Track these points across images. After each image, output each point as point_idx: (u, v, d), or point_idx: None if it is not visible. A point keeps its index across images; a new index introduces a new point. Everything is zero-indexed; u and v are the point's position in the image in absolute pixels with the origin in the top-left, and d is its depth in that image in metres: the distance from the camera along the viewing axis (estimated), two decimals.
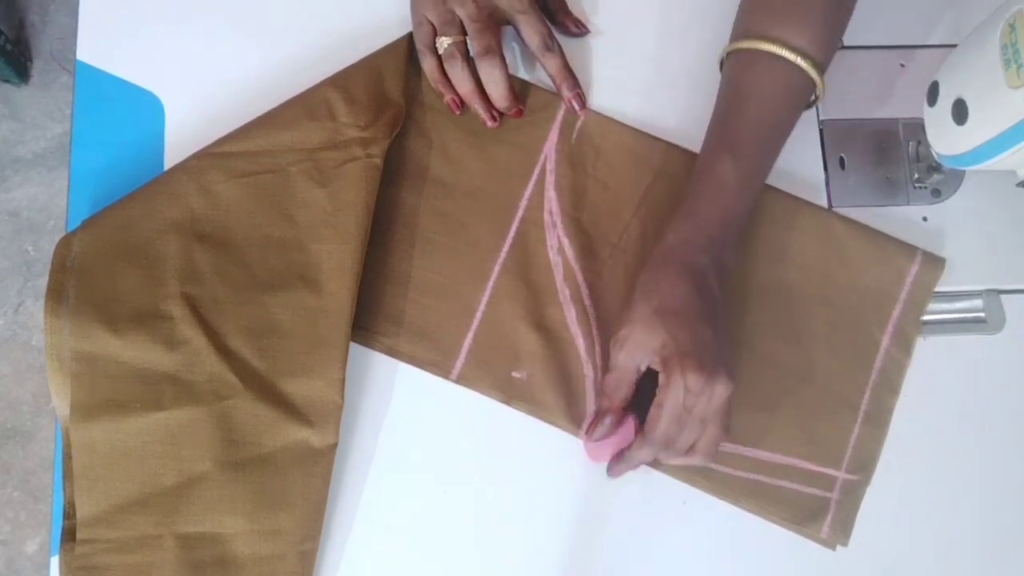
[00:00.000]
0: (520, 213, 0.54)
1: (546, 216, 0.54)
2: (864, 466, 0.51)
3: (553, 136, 0.55)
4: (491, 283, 0.53)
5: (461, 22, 0.51)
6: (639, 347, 0.46)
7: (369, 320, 0.52)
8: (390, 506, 0.50)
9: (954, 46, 0.45)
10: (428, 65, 0.53)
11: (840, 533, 0.50)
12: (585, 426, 0.50)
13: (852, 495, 0.51)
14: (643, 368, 0.46)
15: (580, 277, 0.53)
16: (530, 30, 0.52)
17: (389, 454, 0.51)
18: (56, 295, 0.47)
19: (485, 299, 0.52)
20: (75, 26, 0.55)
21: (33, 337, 1.29)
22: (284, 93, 0.53)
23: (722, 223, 0.48)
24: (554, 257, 0.53)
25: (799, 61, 0.48)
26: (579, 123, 0.55)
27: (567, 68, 0.53)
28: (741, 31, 0.51)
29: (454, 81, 0.52)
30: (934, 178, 0.55)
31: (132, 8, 0.56)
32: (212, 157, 0.51)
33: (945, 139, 0.45)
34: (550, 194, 0.54)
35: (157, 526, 0.46)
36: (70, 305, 0.47)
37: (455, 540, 0.50)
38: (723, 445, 0.51)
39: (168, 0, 0.56)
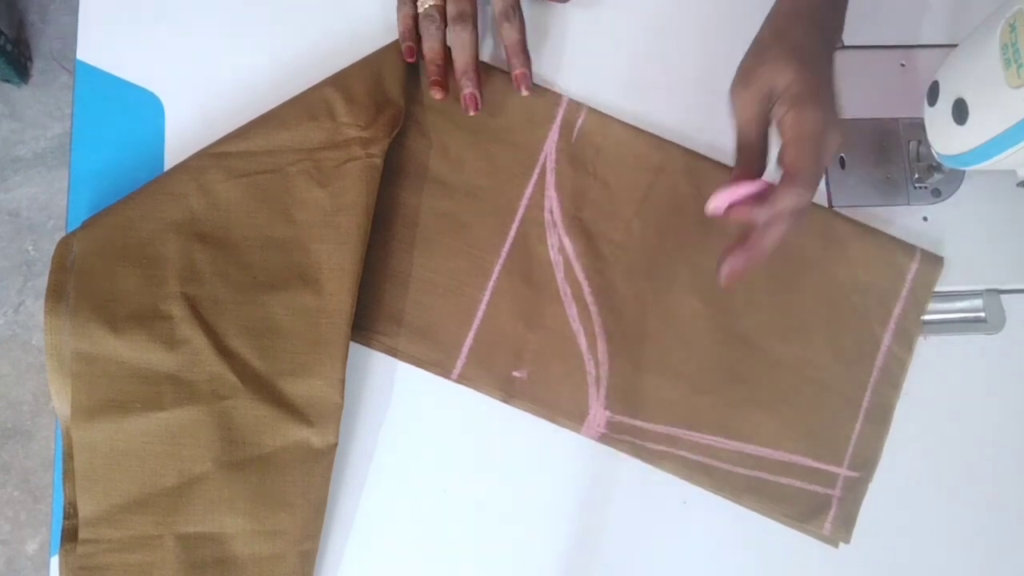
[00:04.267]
0: (521, 212, 0.54)
1: (547, 215, 0.54)
2: (866, 463, 0.51)
3: (553, 135, 0.55)
4: (492, 282, 0.53)
5: None
6: (770, 80, 0.44)
7: (369, 320, 0.52)
8: (390, 506, 0.50)
9: (954, 46, 0.45)
10: (403, 13, 0.53)
11: (842, 530, 0.51)
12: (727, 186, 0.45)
13: (854, 492, 0.51)
14: (773, 103, 0.44)
15: (581, 275, 0.53)
16: None
17: (389, 454, 0.51)
18: (56, 295, 0.47)
19: (486, 298, 0.52)
20: (75, 26, 0.55)
21: (33, 337, 1.29)
22: (284, 93, 0.53)
23: (820, 25, 0.46)
24: (555, 256, 0.53)
25: None
26: (579, 122, 0.55)
27: (522, 43, 0.53)
28: None
29: (424, 37, 0.53)
30: (934, 178, 0.55)
31: (132, 8, 0.56)
32: (212, 157, 0.51)
33: (945, 139, 0.45)
34: (551, 193, 0.54)
35: (157, 526, 0.46)
36: (70, 305, 0.47)
37: (455, 540, 0.50)
38: (725, 442, 0.51)
39: (168, 0, 0.56)
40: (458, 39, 0.52)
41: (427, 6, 0.52)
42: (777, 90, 0.44)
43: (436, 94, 0.52)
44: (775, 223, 0.43)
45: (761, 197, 0.43)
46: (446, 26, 0.52)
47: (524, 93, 0.53)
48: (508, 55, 0.53)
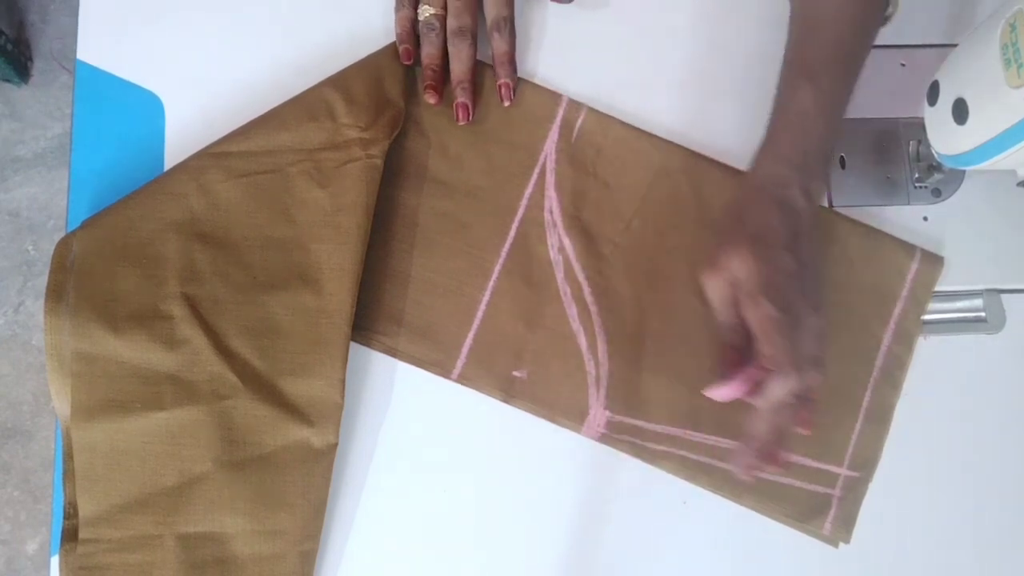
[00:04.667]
0: (521, 212, 0.54)
1: (547, 215, 0.54)
2: (866, 463, 0.51)
3: (553, 135, 0.55)
4: (492, 282, 0.53)
5: None
6: (732, 271, 0.45)
7: (369, 320, 0.52)
8: (390, 506, 0.50)
9: (954, 46, 0.45)
10: (401, 15, 0.53)
11: (842, 530, 0.51)
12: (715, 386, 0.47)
13: (854, 492, 0.51)
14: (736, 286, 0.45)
15: (581, 275, 0.53)
16: (491, 6, 0.53)
17: (389, 454, 0.51)
18: (56, 295, 0.47)
19: (486, 298, 0.52)
20: (75, 26, 0.55)
21: (33, 337, 1.29)
22: (284, 93, 0.53)
23: (805, 152, 0.47)
24: (555, 256, 0.53)
25: None
26: (579, 122, 0.55)
27: (510, 55, 0.53)
28: None
29: (424, 43, 0.53)
30: (934, 178, 0.55)
31: (132, 8, 0.56)
32: (212, 157, 0.51)
33: (945, 139, 0.45)
34: (551, 193, 0.54)
35: (158, 526, 0.46)
36: (70, 305, 0.47)
37: (455, 540, 0.50)
38: (725, 441, 0.51)
39: (168, 0, 0.56)
40: (457, 51, 0.53)
41: (428, 14, 0.52)
42: (739, 280, 0.45)
43: (430, 98, 0.53)
44: (775, 411, 0.45)
45: (756, 381, 0.45)
46: (445, 34, 0.53)
47: (506, 104, 0.54)
48: (495, 65, 0.54)
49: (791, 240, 0.45)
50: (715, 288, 0.46)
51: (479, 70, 0.54)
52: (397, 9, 0.53)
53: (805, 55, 0.48)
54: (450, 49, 0.53)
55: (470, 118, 0.53)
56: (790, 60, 0.49)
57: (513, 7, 0.53)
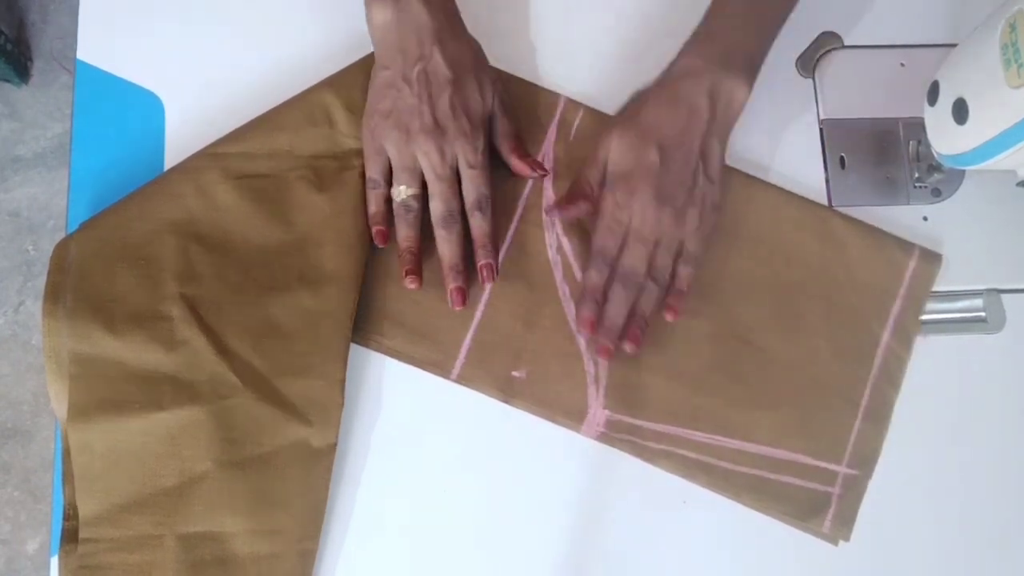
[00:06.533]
0: (519, 212, 0.54)
1: (545, 215, 0.54)
2: (865, 461, 0.51)
3: (551, 135, 0.55)
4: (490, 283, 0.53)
5: (421, 172, 0.50)
6: (599, 148, 0.51)
7: (369, 320, 0.52)
8: (390, 506, 0.50)
9: (954, 46, 0.45)
10: (376, 194, 0.51)
11: (842, 528, 0.51)
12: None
13: (853, 490, 0.51)
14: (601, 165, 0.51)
15: (580, 275, 0.53)
16: (470, 186, 0.50)
17: (389, 454, 0.51)
18: (54, 297, 0.47)
19: (484, 299, 0.52)
20: (75, 26, 0.55)
21: (33, 337, 1.29)
22: (284, 94, 0.53)
23: (725, 52, 0.49)
24: (553, 256, 0.53)
25: None
26: (577, 121, 0.55)
27: (489, 236, 0.50)
28: None
29: (402, 226, 0.50)
30: (934, 178, 0.55)
31: (132, 8, 0.56)
32: (210, 157, 0.51)
33: (945, 139, 0.45)
34: (549, 193, 0.54)
35: (157, 526, 0.46)
36: (68, 306, 0.47)
37: (455, 540, 0.50)
38: (724, 440, 0.51)
39: (168, 0, 0.56)
40: (447, 235, 0.50)
41: (406, 195, 0.50)
42: (606, 164, 0.51)
43: (411, 284, 0.50)
44: (626, 292, 0.50)
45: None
46: (422, 211, 0.50)
47: (487, 285, 0.52)
48: (476, 246, 0.50)
49: (671, 138, 0.49)
50: (594, 148, 0.51)
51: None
52: (370, 187, 0.51)
53: None
54: (439, 233, 0.50)
55: (464, 303, 0.50)
56: None
57: (492, 186, 0.51)
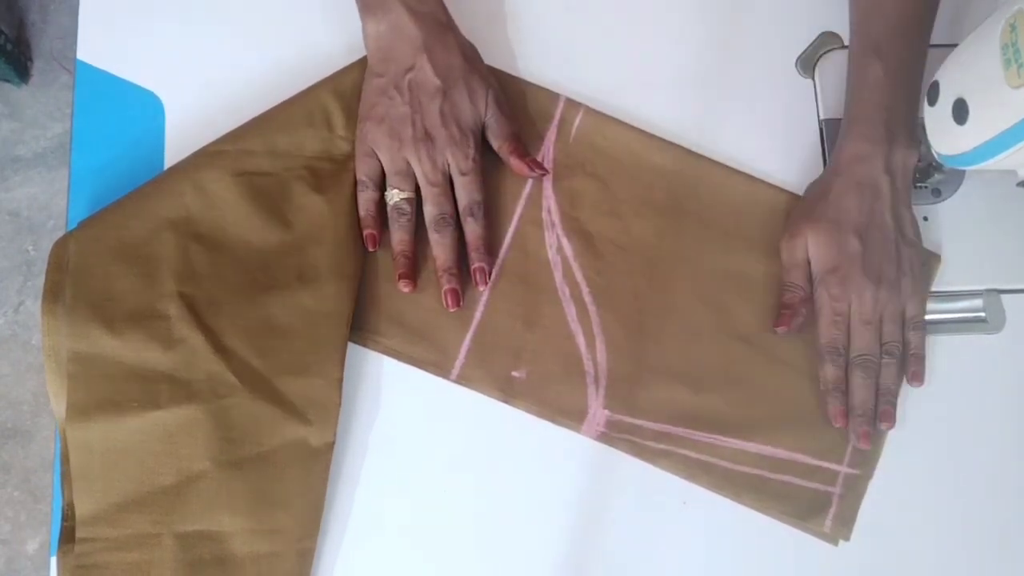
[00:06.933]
0: (519, 212, 0.54)
1: (545, 215, 0.54)
2: (866, 461, 0.51)
3: (551, 134, 0.55)
4: (490, 282, 0.53)
5: (414, 175, 0.50)
6: (793, 250, 0.51)
7: (369, 320, 0.52)
8: (389, 505, 0.50)
9: (954, 46, 0.45)
10: (366, 197, 0.51)
11: (842, 527, 0.51)
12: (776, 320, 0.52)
13: (854, 489, 0.51)
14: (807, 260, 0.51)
15: (580, 275, 0.53)
16: (463, 192, 0.50)
17: (388, 453, 0.51)
18: (52, 296, 0.47)
19: (484, 299, 0.52)
20: (75, 26, 0.55)
21: (33, 337, 1.28)
22: (284, 93, 0.53)
23: (885, 125, 0.49)
24: (553, 256, 0.53)
25: None
26: (577, 121, 0.55)
27: (483, 240, 0.51)
28: None
29: (396, 230, 0.51)
30: (934, 178, 0.55)
31: (132, 8, 0.56)
32: (208, 156, 0.51)
33: (945, 139, 0.45)
34: (548, 193, 0.54)
35: (156, 525, 0.46)
36: (66, 305, 0.47)
37: (454, 539, 0.50)
38: (724, 440, 0.51)
39: (168, 0, 0.56)
40: (441, 238, 0.50)
41: (399, 198, 0.50)
42: (807, 258, 0.51)
43: (406, 287, 0.51)
44: (866, 378, 0.51)
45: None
46: (416, 215, 0.51)
47: (481, 289, 0.52)
48: (469, 250, 0.51)
49: (865, 221, 0.49)
50: (789, 251, 0.52)
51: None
52: (360, 190, 0.51)
53: (870, 32, 0.50)
54: (432, 236, 0.50)
55: (459, 305, 0.51)
56: (856, 40, 0.51)
57: (485, 191, 0.51)
